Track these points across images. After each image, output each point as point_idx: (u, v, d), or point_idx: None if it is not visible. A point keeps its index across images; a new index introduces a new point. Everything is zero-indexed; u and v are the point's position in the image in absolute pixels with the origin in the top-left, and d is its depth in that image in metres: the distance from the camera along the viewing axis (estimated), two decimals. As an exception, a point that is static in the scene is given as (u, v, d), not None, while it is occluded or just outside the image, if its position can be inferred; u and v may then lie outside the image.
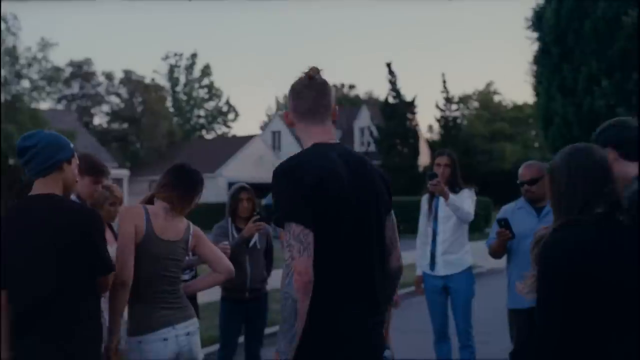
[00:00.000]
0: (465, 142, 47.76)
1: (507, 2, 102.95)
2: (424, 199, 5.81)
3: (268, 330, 6.20)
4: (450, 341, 5.72)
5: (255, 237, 5.52)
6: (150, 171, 40.89)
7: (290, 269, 2.43)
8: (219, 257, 3.82)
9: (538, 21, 30.51)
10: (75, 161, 3.19)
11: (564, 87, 28.59)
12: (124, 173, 33.63)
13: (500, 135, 54.01)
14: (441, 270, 5.60)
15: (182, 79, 61.22)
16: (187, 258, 3.91)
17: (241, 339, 5.68)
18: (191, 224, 3.78)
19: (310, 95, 2.71)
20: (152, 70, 70.18)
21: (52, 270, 2.95)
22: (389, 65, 38.01)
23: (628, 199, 2.74)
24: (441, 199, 5.50)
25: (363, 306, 2.58)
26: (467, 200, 5.57)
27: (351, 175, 2.60)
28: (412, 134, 38.09)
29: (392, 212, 2.82)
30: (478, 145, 51.35)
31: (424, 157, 40.41)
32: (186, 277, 4.48)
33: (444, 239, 5.61)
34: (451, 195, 5.47)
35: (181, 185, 3.65)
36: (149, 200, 3.74)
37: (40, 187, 3.06)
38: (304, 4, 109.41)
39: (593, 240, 2.45)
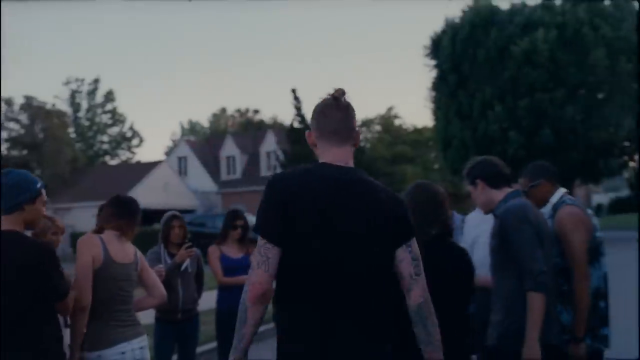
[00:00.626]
0: (368, 165, 48.88)
1: (407, 29, 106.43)
2: None
3: (199, 349, 6.58)
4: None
5: (187, 262, 5.91)
6: (54, 198, 39.88)
7: (248, 281, 2.53)
8: (156, 283, 4.25)
9: (435, 49, 32.04)
10: (42, 199, 3.50)
11: (461, 112, 30.12)
12: (27, 201, 32.86)
13: (401, 158, 55.49)
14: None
15: (84, 105, 60.18)
16: None
17: (174, 358, 6.03)
18: (138, 251, 4.16)
19: (335, 116, 2.68)
20: (52, 95, 68.98)
21: (12, 297, 3.27)
22: (294, 91, 38.78)
23: (499, 217, 3.58)
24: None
25: (343, 336, 2.52)
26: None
27: (335, 200, 2.55)
28: (317, 157, 38.92)
29: (409, 245, 2.67)
30: (380, 167, 52.59)
31: (329, 180, 41.25)
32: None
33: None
34: None
35: (125, 214, 4.07)
36: (98, 231, 4.08)
37: (5, 224, 3.40)
38: (210, 30, 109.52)
39: (424, 256, 3.14)
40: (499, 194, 3.70)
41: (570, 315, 3.89)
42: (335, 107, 2.68)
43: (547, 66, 27.59)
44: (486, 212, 3.82)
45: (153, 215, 39.00)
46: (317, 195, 2.53)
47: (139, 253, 4.16)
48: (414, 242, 2.68)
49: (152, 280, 4.22)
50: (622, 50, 27.41)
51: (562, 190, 4.17)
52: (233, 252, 6.24)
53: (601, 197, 61.94)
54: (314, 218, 2.51)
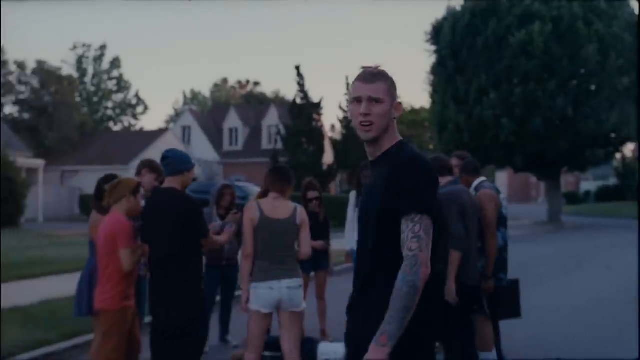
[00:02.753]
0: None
1: (411, 14, 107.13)
2: (353, 194, 7.90)
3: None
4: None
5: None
6: (63, 161, 41.22)
7: (418, 259, 2.47)
8: (306, 239, 5.15)
9: (436, 36, 33.33)
10: (193, 170, 4.97)
11: (457, 97, 31.50)
12: (39, 163, 34.12)
13: (398, 137, 56.81)
14: (366, 246, 7.72)
15: (90, 70, 61.30)
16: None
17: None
18: (300, 208, 5.18)
19: None
20: (60, 60, 70.08)
21: (174, 234, 4.68)
22: (297, 68, 39.97)
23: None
24: (367, 195, 7.61)
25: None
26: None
27: None
28: (318, 133, 40.20)
29: None
30: (377, 145, 53.90)
31: (328, 156, 42.70)
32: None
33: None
34: None
35: (285, 180, 5.22)
36: (264, 193, 5.29)
37: (169, 182, 4.87)
38: (217, 3, 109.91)
39: None
40: (442, 181, 5.33)
41: (483, 262, 5.67)
42: None
43: (542, 57, 28.82)
44: None
45: (158, 181, 40.25)
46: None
47: (300, 212, 5.17)
48: None
49: (303, 236, 5.15)
50: (613, 47, 28.75)
51: (481, 179, 5.94)
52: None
53: (589, 185, 63.62)
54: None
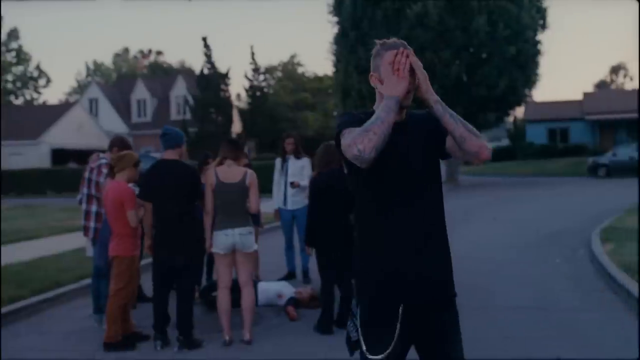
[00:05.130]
0: (271, 110, 51.36)
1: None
2: (278, 160, 9.25)
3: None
4: (294, 248, 9.30)
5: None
6: (-34, 136, 40.51)
7: None
8: (254, 197, 6.20)
9: (338, 7, 34.68)
10: (185, 144, 6.17)
11: (360, 66, 33.00)
12: (-54, 139, 33.65)
13: (302, 105, 58.10)
14: (290, 205, 9.14)
15: (-13, 42, 59.56)
16: None
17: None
18: (249, 172, 6.20)
19: None
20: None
21: (177, 198, 5.95)
22: (204, 39, 40.70)
23: None
24: (290, 161, 9.00)
25: None
26: (307, 165, 9.06)
27: None
28: (226, 103, 41.17)
29: None
30: (282, 113, 55.11)
31: (236, 125, 43.72)
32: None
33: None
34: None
35: (238, 149, 6.38)
36: (220, 162, 6.27)
37: (169, 154, 6.10)
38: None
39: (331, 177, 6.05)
40: None
41: None
42: None
43: (437, 29, 30.68)
44: None
45: (68, 155, 40.37)
46: None
47: (249, 175, 6.20)
48: None
49: (252, 194, 6.21)
50: (501, 18, 30.95)
51: None
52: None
53: (485, 146, 67.06)
54: None
